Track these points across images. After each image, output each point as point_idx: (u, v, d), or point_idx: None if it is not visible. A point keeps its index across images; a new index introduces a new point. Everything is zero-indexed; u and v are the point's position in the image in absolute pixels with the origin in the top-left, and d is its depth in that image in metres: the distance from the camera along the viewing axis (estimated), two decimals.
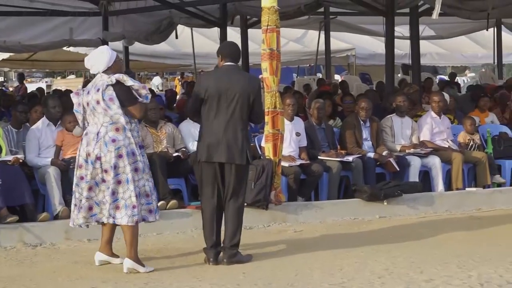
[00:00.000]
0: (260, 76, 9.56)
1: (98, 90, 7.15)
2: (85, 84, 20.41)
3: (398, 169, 10.80)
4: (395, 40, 14.24)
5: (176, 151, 10.13)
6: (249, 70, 18.57)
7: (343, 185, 10.72)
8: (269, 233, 9.11)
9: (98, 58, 7.29)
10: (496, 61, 23.07)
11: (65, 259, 7.86)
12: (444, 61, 28.66)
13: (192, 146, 9.80)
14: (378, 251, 7.96)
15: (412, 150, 11.16)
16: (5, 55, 23.46)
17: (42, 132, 9.60)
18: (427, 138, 11.51)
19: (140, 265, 7.20)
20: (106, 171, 7.11)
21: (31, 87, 30.55)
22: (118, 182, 7.09)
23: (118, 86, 7.13)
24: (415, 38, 14.40)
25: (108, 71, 7.23)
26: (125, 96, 7.15)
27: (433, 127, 11.57)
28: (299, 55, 25.08)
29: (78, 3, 18.21)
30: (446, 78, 25.51)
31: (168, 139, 10.21)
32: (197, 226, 8.37)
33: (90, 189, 7.14)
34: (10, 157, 9.00)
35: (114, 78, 7.14)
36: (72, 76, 40.81)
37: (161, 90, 30.95)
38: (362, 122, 11.11)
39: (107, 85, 7.10)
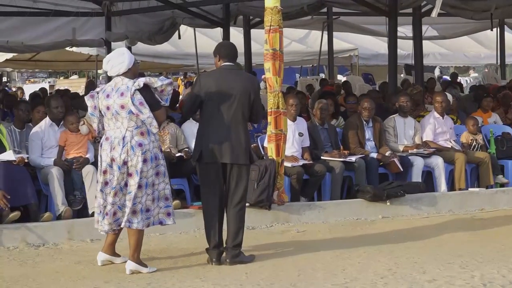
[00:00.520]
0: (263, 76, 9.57)
1: (122, 94, 7.03)
2: (89, 85, 20.57)
3: (402, 169, 10.80)
4: (398, 40, 14.24)
5: (179, 151, 10.14)
6: (252, 70, 18.58)
7: (346, 186, 10.71)
8: (272, 233, 9.11)
9: (119, 60, 7.13)
10: (499, 61, 23.06)
11: (68, 259, 7.86)
12: (447, 61, 28.66)
13: None
14: (381, 251, 7.96)
15: (415, 150, 11.15)
16: (8, 55, 23.49)
17: (45, 132, 9.60)
18: (430, 138, 11.51)
19: (143, 266, 7.20)
20: (130, 175, 7.06)
21: (34, 87, 30.62)
22: (139, 187, 7.05)
23: (145, 90, 7.04)
24: (418, 38, 14.42)
25: (128, 73, 7.14)
26: (152, 100, 7.08)
27: (436, 127, 11.57)
28: (302, 55, 25.09)
29: (81, 4, 18.22)
30: (448, 78, 25.52)
31: (171, 139, 10.22)
32: (199, 227, 8.37)
33: (115, 194, 7.07)
34: (15, 157, 9.01)
35: (141, 82, 7.05)
36: (75, 76, 40.83)
37: None
38: (365, 122, 11.11)
39: (135, 90, 7.00)
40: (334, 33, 20.75)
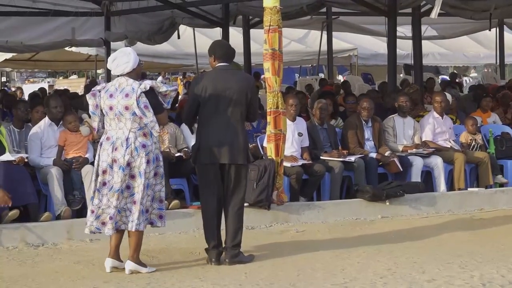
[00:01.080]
0: (262, 76, 9.56)
1: (127, 95, 7.00)
2: (89, 85, 20.56)
3: (401, 169, 10.80)
4: (397, 40, 14.24)
5: (178, 151, 10.13)
6: (251, 70, 18.59)
7: (345, 185, 10.72)
8: (271, 233, 9.11)
9: (124, 59, 7.09)
10: (498, 61, 23.06)
11: (67, 259, 7.85)
12: (446, 61, 28.66)
13: None
14: (380, 251, 7.96)
15: (414, 150, 11.16)
16: (8, 55, 23.49)
17: (44, 132, 9.59)
18: (429, 138, 11.51)
19: (142, 266, 7.19)
20: (133, 176, 7.04)
21: (33, 87, 30.61)
22: (143, 188, 7.04)
23: (150, 93, 7.03)
24: (417, 38, 14.42)
25: (132, 73, 7.11)
26: (155, 103, 7.06)
27: (435, 127, 11.58)
28: (301, 55, 25.09)
29: (80, 3, 18.20)
30: (448, 78, 25.52)
31: (170, 139, 10.22)
32: (199, 226, 8.36)
33: (118, 197, 7.01)
34: (15, 157, 9.01)
35: (148, 85, 7.03)
36: (74, 76, 40.82)
37: None
38: (364, 122, 11.11)
39: (141, 92, 6.98)
40: (334, 33, 20.75)
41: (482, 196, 10.79)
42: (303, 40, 24.96)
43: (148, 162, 7.04)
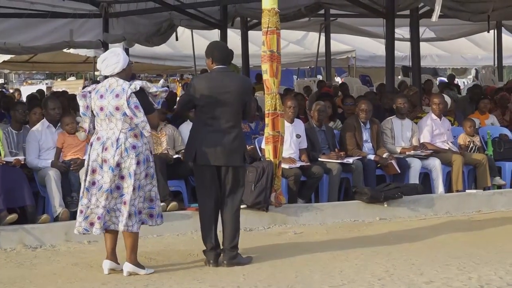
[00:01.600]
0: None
1: (117, 96, 6.98)
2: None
3: (399, 171, 10.81)
4: (396, 42, 14.26)
5: (176, 153, 10.13)
6: (249, 72, 18.59)
7: (343, 187, 10.72)
8: (269, 235, 9.11)
9: (114, 60, 7.08)
10: (496, 63, 23.08)
11: (65, 261, 7.85)
12: (444, 63, 28.68)
13: None
14: (378, 253, 7.96)
15: (412, 152, 11.16)
16: (6, 57, 23.50)
17: (42, 134, 9.59)
18: (427, 140, 11.51)
19: (140, 268, 7.18)
20: (122, 177, 7.02)
21: (31, 89, 30.59)
22: (133, 189, 7.02)
23: (140, 93, 7.02)
24: (415, 40, 14.41)
25: (122, 74, 7.10)
26: (146, 104, 7.05)
27: (434, 129, 11.58)
28: (299, 57, 25.11)
29: (79, 5, 18.23)
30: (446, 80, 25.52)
31: (168, 140, 10.22)
32: (197, 228, 8.35)
33: (107, 197, 7.00)
34: (11, 159, 9.00)
35: (138, 85, 7.02)
36: (73, 78, 40.80)
37: None
38: (362, 124, 11.11)
39: (131, 93, 6.97)
40: (332, 35, 20.75)
41: (480, 198, 10.80)
42: (301, 42, 24.98)
43: (138, 163, 7.03)
